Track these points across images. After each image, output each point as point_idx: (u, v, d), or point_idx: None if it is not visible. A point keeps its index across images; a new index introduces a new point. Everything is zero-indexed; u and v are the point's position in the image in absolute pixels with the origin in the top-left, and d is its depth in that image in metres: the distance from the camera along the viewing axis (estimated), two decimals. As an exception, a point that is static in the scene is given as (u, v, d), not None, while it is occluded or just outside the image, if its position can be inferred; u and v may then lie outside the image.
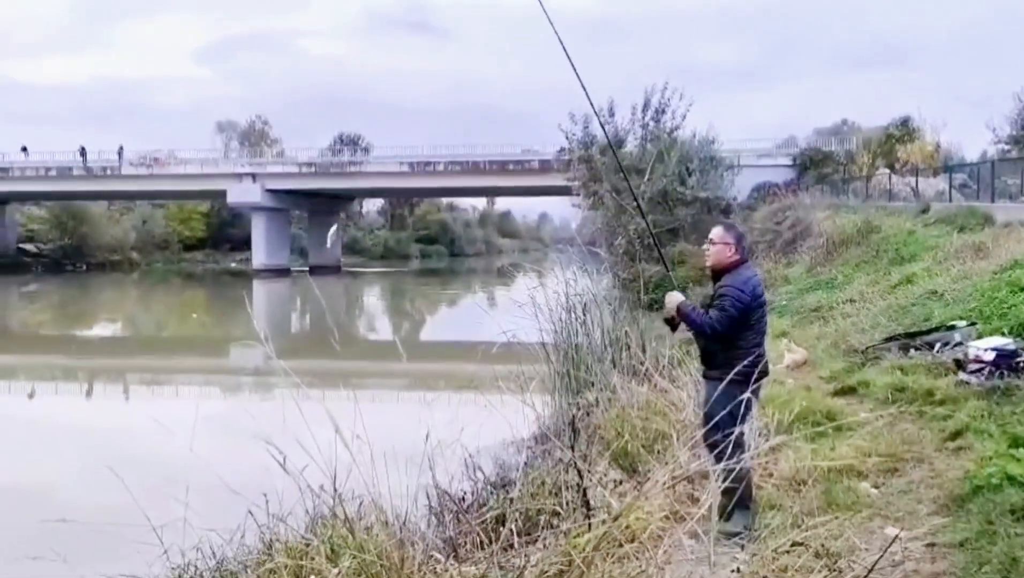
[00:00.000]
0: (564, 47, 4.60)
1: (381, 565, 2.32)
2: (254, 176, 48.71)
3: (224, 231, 63.62)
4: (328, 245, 52.65)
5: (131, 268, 55.49)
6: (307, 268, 53.38)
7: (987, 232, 13.69)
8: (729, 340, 4.30)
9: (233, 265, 57.94)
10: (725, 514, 3.78)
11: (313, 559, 2.45)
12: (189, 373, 18.32)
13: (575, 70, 4.65)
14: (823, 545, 2.84)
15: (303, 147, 57.96)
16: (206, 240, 63.42)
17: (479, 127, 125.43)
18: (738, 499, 3.89)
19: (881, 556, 2.16)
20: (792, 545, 2.67)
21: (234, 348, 20.93)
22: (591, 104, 5.36)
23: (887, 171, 30.26)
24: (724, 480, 3.38)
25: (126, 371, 18.82)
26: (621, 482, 2.93)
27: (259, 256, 49.66)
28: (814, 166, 35.69)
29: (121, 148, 49.81)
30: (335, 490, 2.78)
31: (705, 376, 4.46)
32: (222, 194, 49.14)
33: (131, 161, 49.43)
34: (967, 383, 6.74)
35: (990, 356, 6.77)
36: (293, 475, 2.76)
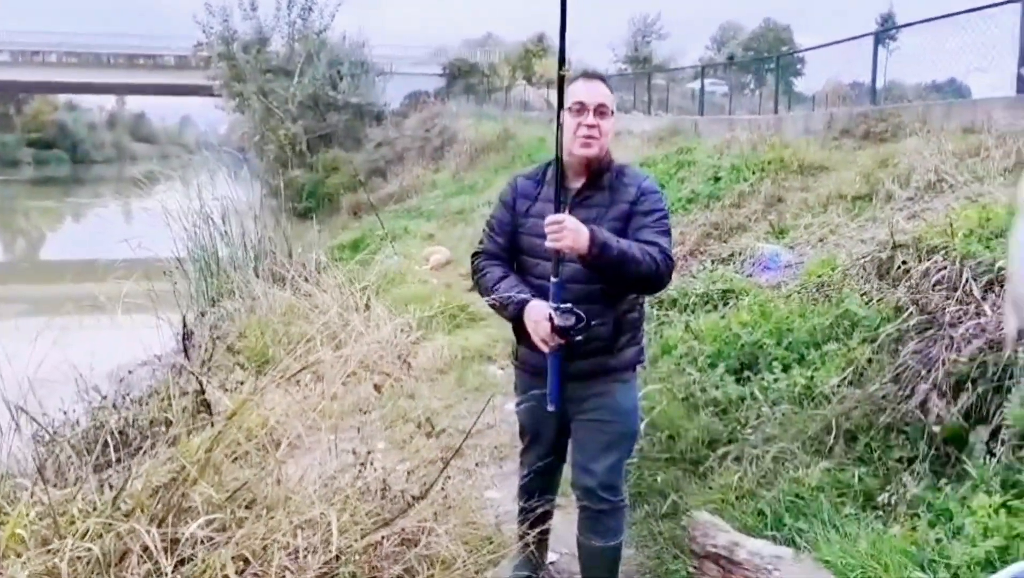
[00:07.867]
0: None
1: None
2: None
3: None
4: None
5: None
6: None
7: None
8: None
9: None
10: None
11: None
12: None
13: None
14: (427, 419, 3.11)
15: None
16: None
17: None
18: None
19: (475, 422, 2.41)
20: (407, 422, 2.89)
21: None
22: None
23: (524, 83, 32.67)
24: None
25: None
26: (243, 384, 2.89)
27: None
28: (462, 76, 37.16)
29: None
30: None
31: (615, 372, 2.43)
32: None
33: None
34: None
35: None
36: None
